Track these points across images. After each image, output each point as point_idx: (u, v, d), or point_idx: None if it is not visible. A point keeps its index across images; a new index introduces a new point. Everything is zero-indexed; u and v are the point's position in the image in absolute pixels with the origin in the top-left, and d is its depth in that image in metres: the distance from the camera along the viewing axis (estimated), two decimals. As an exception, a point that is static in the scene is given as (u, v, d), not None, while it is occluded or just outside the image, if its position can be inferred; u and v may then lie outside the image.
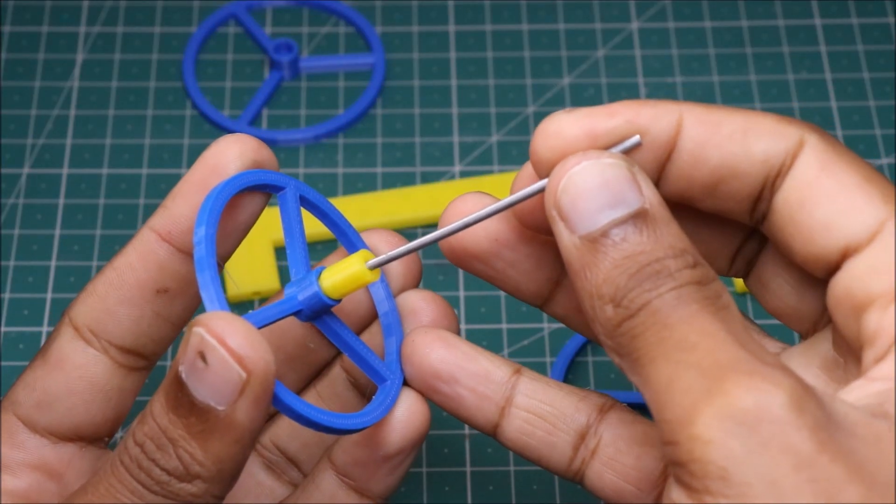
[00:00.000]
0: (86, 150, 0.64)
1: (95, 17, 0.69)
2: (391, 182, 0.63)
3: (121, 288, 0.43)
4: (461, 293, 0.60)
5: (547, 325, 0.59)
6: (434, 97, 0.66)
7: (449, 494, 0.55)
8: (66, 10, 0.69)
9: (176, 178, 0.63)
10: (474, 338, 0.59)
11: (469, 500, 0.55)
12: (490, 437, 0.54)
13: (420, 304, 0.45)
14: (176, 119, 0.65)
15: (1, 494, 0.43)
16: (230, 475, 0.39)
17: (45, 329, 0.59)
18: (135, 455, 0.39)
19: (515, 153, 0.64)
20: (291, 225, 0.43)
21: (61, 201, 0.63)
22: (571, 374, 0.58)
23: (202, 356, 0.38)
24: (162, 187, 0.63)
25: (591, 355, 0.59)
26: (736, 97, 0.66)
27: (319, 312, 0.42)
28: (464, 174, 0.64)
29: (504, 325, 0.59)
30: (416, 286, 0.46)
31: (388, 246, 0.45)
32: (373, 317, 0.46)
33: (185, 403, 0.38)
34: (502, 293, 0.60)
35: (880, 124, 0.66)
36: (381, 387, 0.43)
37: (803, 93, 0.66)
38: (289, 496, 0.47)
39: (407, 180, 0.64)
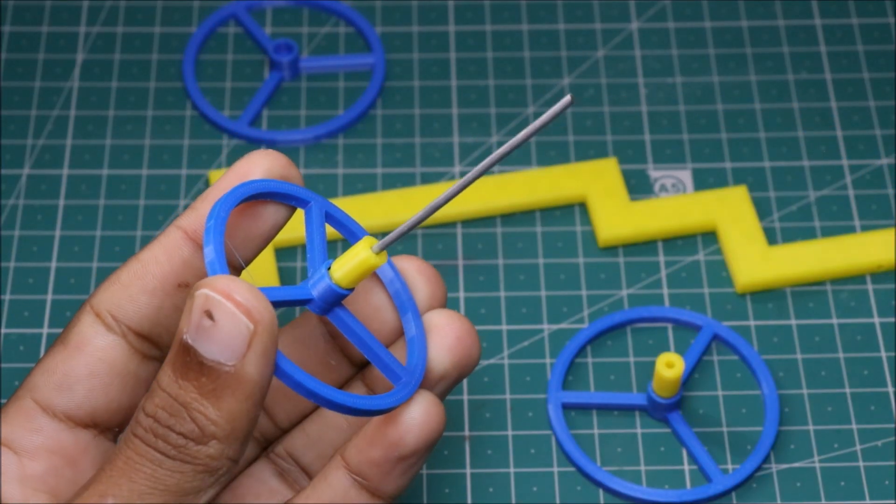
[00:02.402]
0: (86, 151, 0.64)
1: (95, 17, 0.69)
2: (391, 183, 0.63)
3: (144, 278, 0.45)
4: (461, 294, 0.60)
5: (547, 327, 0.59)
6: (434, 97, 0.66)
7: (449, 496, 0.55)
8: (66, 10, 0.69)
9: (176, 179, 0.63)
10: (474, 339, 0.59)
11: (469, 502, 0.55)
12: (490, 438, 0.54)
13: (443, 321, 0.46)
14: (176, 119, 0.65)
15: (1, 480, 0.44)
16: (243, 434, 0.40)
17: (45, 331, 0.59)
18: (148, 426, 0.40)
19: (515, 154, 0.64)
20: (313, 237, 0.44)
21: (61, 202, 0.63)
22: (571, 376, 0.58)
23: (209, 314, 0.39)
24: (162, 188, 0.63)
25: (590, 357, 0.59)
26: (736, 97, 0.66)
27: (332, 304, 0.43)
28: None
29: (504, 327, 0.59)
30: (441, 306, 0.47)
31: (420, 274, 0.47)
32: (398, 335, 0.47)
33: (193, 367, 0.39)
34: (502, 294, 0.60)
35: (880, 124, 0.65)
36: (398, 385, 0.44)
37: (803, 93, 0.66)
38: (299, 494, 0.47)
39: (407, 181, 0.64)
